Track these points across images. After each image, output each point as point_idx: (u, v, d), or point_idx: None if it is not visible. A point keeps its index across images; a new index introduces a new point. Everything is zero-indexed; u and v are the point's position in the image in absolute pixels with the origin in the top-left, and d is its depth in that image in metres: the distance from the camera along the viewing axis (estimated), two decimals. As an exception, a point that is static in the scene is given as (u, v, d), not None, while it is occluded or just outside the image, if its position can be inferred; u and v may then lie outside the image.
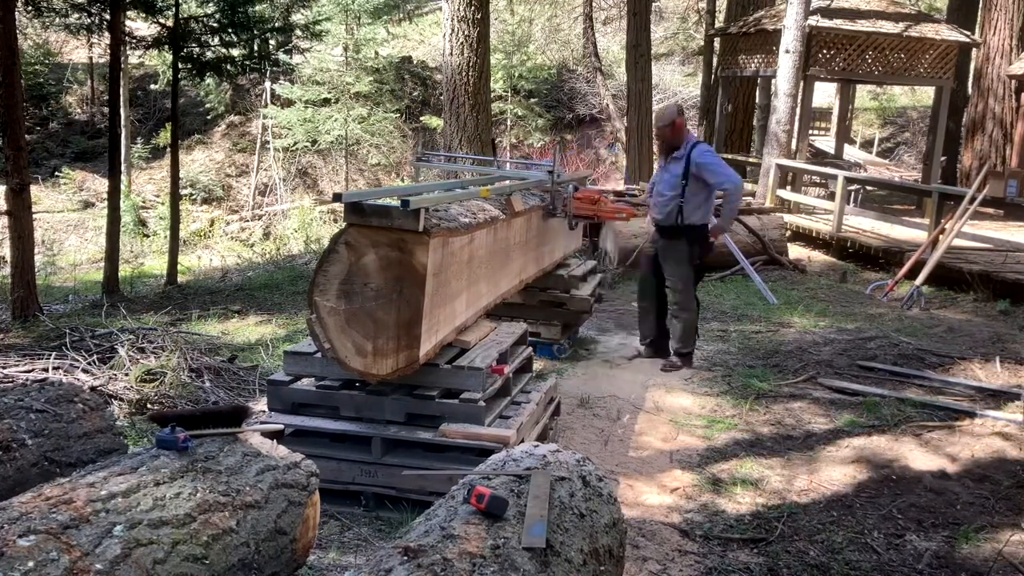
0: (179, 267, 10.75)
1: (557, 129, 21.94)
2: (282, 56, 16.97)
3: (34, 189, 9.87)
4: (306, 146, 18.66)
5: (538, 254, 5.19)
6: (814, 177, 14.34)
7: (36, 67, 19.97)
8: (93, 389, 4.51)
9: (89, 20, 9.52)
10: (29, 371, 4.82)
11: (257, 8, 11.07)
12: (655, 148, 5.89)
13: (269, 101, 19.28)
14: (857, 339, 6.50)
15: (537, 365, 5.10)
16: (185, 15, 10.13)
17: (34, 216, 7.90)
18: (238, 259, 13.00)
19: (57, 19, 9.77)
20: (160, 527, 2.09)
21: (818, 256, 10.85)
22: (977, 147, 14.51)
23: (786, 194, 12.40)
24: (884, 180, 14.76)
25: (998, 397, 5.27)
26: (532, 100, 21.46)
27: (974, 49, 14.76)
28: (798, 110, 12.46)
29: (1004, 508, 3.84)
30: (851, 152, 18.84)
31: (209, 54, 10.35)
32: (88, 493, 2.09)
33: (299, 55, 19.72)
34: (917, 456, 4.43)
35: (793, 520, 3.72)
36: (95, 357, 5.08)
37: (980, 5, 16.34)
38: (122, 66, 12.23)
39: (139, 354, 5.17)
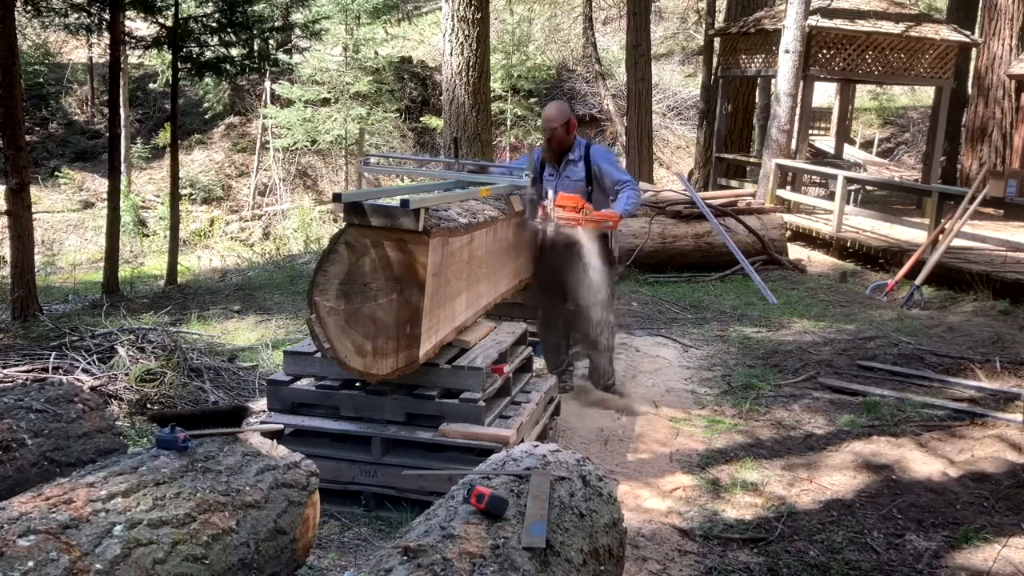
0: (179, 267, 10.75)
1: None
2: (281, 56, 16.97)
3: (34, 189, 9.87)
4: (305, 146, 18.66)
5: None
6: (814, 177, 14.34)
7: (35, 67, 19.97)
8: (93, 389, 4.51)
9: (88, 20, 9.52)
10: (29, 371, 4.81)
11: (256, 8, 11.07)
12: (548, 150, 4.91)
13: (269, 101, 19.28)
14: (857, 339, 6.50)
15: (537, 365, 5.09)
16: (184, 15, 10.12)
17: (34, 216, 7.89)
18: (238, 259, 13.00)
19: (56, 19, 9.77)
20: (160, 527, 2.09)
21: (818, 256, 10.85)
22: (977, 147, 14.51)
23: (786, 194, 12.39)
24: (884, 180, 14.77)
25: (998, 397, 5.27)
26: (532, 100, 21.45)
27: (974, 49, 14.76)
28: (798, 110, 12.45)
29: (1004, 508, 3.83)
30: (851, 152, 18.84)
31: (208, 54, 10.35)
32: (88, 493, 2.09)
33: (298, 55, 19.72)
34: (917, 456, 4.43)
35: (793, 520, 3.72)
36: (95, 357, 5.07)
37: (980, 5, 16.34)
38: (121, 66, 12.23)
39: (139, 354, 5.17)
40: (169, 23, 9.83)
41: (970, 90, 15.25)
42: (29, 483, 2.53)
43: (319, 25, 13.52)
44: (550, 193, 4.41)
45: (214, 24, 10.18)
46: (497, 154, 14.78)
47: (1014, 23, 14.00)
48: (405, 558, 1.86)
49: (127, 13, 10.59)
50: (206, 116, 20.67)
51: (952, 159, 16.13)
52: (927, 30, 12.97)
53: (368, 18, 18.74)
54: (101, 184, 17.14)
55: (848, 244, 10.62)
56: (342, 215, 3.50)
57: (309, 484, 2.65)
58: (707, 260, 9.45)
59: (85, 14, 9.39)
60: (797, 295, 8.57)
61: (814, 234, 11.32)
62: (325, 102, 18.51)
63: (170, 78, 10.59)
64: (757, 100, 16.94)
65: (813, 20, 12.21)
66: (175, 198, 10.73)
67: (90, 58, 20.77)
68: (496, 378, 3.81)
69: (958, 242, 8.88)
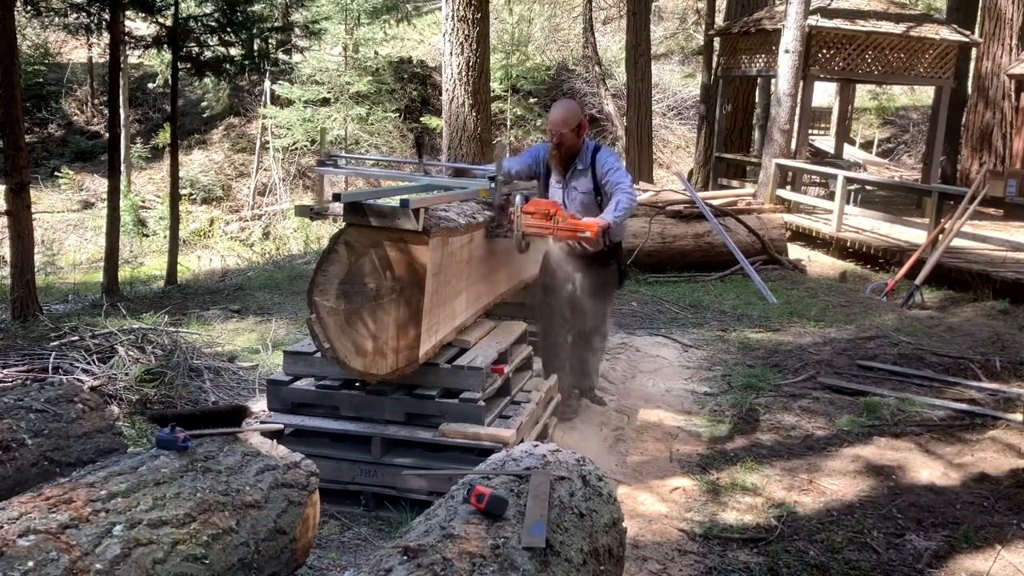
0: (179, 267, 10.75)
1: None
2: (281, 56, 16.98)
3: (33, 189, 9.87)
4: (305, 146, 18.66)
5: (538, 254, 5.18)
6: (814, 177, 14.34)
7: (35, 67, 19.96)
8: (93, 389, 4.51)
9: (88, 20, 9.53)
10: (29, 371, 4.81)
11: (255, 7, 11.07)
12: (556, 156, 4.52)
13: (268, 101, 19.28)
14: (857, 339, 6.50)
15: (537, 364, 5.09)
16: (184, 15, 10.12)
17: (34, 216, 7.89)
18: (238, 259, 13.00)
19: (56, 19, 9.77)
20: (160, 527, 2.09)
21: (818, 256, 10.85)
22: (977, 147, 14.51)
23: (786, 194, 12.39)
24: (884, 180, 14.77)
25: (998, 397, 5.28)
26: (532, 100, 21.44)
27: (974, 49, 14.76)
28: (798, 110, 12.46)
29: (1004, 508, 3.84)
30: (851, 152, 18.84)
31: (208, 54, 10.35)
32: (88, 493, 2.09)
33: (298, 55, 19.73)
34: (916, 456, 4.43)
35: (793, 520, 3.72)
36: (95, 357, 5.07)
37: (980, 6, 16.34)
38: (121, 66, 12.23)
39: (139, 354, 5.17)
40: (169, 23, 9.83)
41: (970, 90, 15.25)
42: (29, 483, 2.53)
43: (319, 25, 13.53)
44: (518, 199, 4.01)
45: (214, 24, 10.19)
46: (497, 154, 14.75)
47: (1014, 24, 14.00)
48: (405, 558, 1.86)
49: (127, 13, 10.59)
50: (205, 116, 20.67)
51: (952, 159, 16.13)
52: (927, 30, 12.97)
53: (368, 18, 18.73)
54: (101, 184, 17.14)
55: (848, 244, 10.61)
56: (307, 218, 3.44)
57: (309, 484, 2.65)
58: (707, 260, 9.45)
59: (85, 14, 9.39)
60: (797, 295, 8.57)
61: (814, 234, 11.31)
62: (325, 102, 18.50)
63: (170, 78, 10.60)
64: (757, 100, 16.94)
65: (813, 20, 12.21)
66: (175, 198, 10.73)
67: (90, 58, 20.77)
68: (496, 378, 3.81)
69: (958, 242, 8.88)
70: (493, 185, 4.02)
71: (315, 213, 3.99)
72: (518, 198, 4.02)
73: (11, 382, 4.53)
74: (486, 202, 4.14)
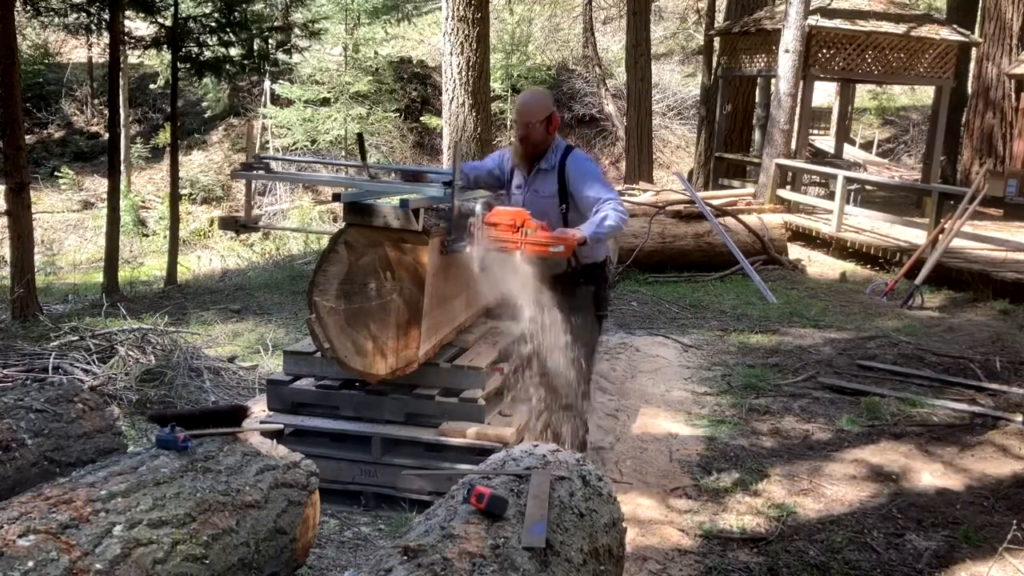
0: (179, 267, 10.75)
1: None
2: (281, 56, 16.98)
3: (33, 189, 9.87)
4: (305, 146, 18.66)
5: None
6: (814, 177, 14.34)
7: (35, 67, 19.97)
8: (93, 389, 4.50)
9: (88, 20, 9.55)
10: (29, 371, 4.81)
11: (255, 7, 11.08)
12: (519, 151, 3.70)
13: (268, 101, 19.28)
14: (857, 338, 6.50)
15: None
16: (183, 15, 10.13)
17: (34, 216, 7.90)
18: (238, 259, 12.99)
19: (56, 19, 9.79)
20: (160, 527, 2.09)
21: (818, 256, 10.84)
22: (977, 147, 14.51)
23: (786, 194, 12.39)
24: (884, 180, 14.77)
25: (998, 397, 5.28)
26: (532, 100, 21.42)
27: (973, 49, 14.75)
28: (798, 110, 12.45)
29: (1004, 508, 3.84)
30: (851, 152, 18.84)
31: (208, 54, 10.36)
32: (88, 493, 2.09)
33: (298, 55, 19.74)
34: (917, 456, 4.43)
35: (793, 520, 3.72)
36: (95, 357, 5.07)
37: (980, 6, 16.32)
38: (121, 66, 12.23)
39: (139, 354, 5.17)
40: (168, 23, 9.83)
41: (970, 91, 15.25)
42: (29, 483, 2.53)
43: (318, 25, 13.54)
44: (478, 208, 3.32)
45: (213, 24, 10.19)
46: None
47: (1014, 23, 14.00)
48: (405, 558, 1.86)
49: (126, 13, 10.60)
50: (205, 116, 20.67)
51: (952, 159, 16.12)
52: (927, 30, 12.96)
53: (368, 18, 18.73)
54: (101, 184, 17.14)
55: (848, 244, 10.61)
56: (232, 232, 3.34)
57: (309, 484, 2.65)
58: (707, 260, 9.45)
59: (84, 14, 9.40)
60: (797, 295, 8.57)
61: (814, 234, 11.31)
62: (325, 102, 18.50)
63: (170, 78, 10.60)
64: (757, 100, 16.94)
65: (813, 20, 12.21)
66: (175, 198, 10.74)
67: (90, 58, 20.78)
68: (496, 377, 3.81)
69: (958, 242, 8.88)
70: (448, 191, 3.40)
71: (240, 226, 3.90)
72: (478, 206, 3.34)
73: (11, 382, 4.53)
74: (442, 211, 3.56)
